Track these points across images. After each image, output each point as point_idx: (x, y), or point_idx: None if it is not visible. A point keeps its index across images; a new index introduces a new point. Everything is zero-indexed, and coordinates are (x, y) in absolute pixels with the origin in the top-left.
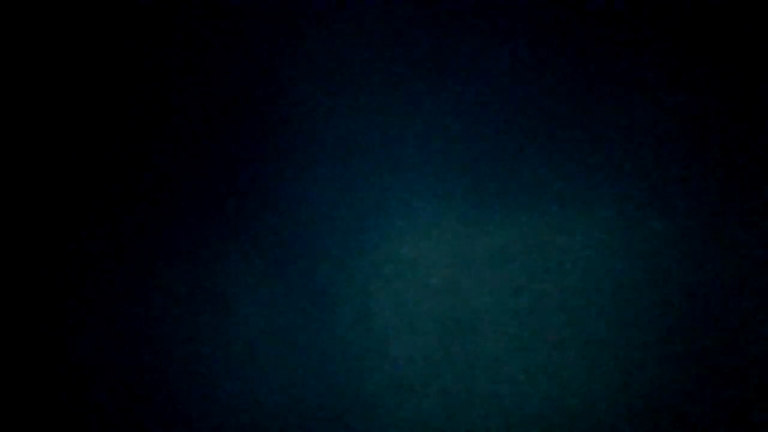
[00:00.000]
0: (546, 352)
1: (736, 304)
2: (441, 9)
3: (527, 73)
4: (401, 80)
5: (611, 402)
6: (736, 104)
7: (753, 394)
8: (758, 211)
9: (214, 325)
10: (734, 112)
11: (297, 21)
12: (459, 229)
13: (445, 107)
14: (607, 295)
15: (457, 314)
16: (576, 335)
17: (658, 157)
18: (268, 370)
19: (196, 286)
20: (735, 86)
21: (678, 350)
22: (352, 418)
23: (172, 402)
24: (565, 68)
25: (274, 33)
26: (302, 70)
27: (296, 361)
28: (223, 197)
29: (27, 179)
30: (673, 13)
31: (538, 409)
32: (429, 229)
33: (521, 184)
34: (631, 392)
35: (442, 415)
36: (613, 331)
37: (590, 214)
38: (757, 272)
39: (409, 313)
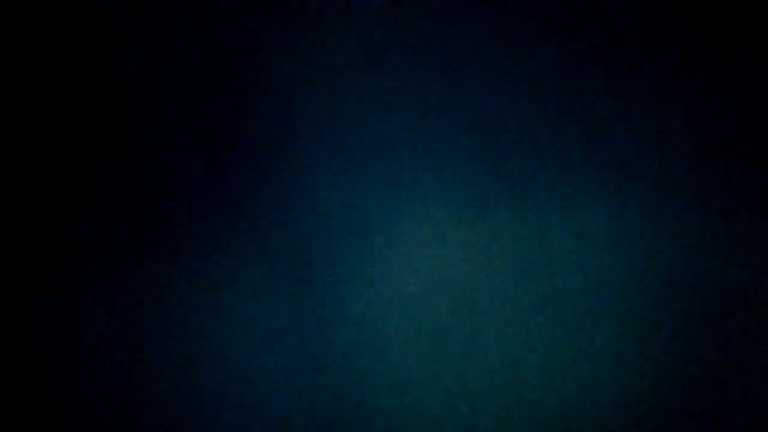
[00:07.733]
0: (550, 353)
1: (738, 304)
2: (447, 8)
3: (530, 75)
4: (406, 81)
5: (611, 401)
6: (737, 103)
7: (753, 393)
8: (760, 211)
9: (214, 328)
10: (736, 111)
11: (301, 19)
12: (463, 232)
13: (449, 110)
14: (608, 295)
15: (461, 317)
16: (577, 335)
17: (660, 157)
18: (267, 374)
19: (195, 289)
20: (736, 85)
21: (678, 350)
22: (351, 422)
23: (170, 404)
24: (567, 69)
25: (278, 32)
26: (308, 69)
27: (296, 365)
28: (225, 199)
29: (24, 177)
30: (674, 11)
31: (540, 409)
32: (433, 231)
33: (526, 186)
34: (630, 391)
35: (442, 417)
36: (613, 330)
37: (592, 215)
38: (759, 272)
39: (411, 317)
